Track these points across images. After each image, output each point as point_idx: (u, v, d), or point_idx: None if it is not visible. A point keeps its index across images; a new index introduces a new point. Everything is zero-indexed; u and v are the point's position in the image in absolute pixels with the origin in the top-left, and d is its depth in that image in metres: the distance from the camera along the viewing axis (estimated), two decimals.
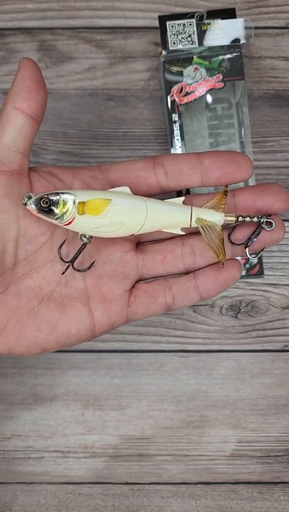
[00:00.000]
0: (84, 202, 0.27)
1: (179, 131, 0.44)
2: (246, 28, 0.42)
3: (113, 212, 0.27)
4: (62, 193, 0.27)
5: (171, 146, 0.44)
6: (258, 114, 0.47)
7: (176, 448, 0.48)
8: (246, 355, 0.48)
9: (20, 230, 0.28)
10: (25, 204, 0.27)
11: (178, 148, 0.44)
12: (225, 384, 0.48)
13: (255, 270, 0.46)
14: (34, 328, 0.29)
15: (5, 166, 0.27)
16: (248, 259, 0.45)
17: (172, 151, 0.44)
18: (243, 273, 0.45)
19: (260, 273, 0.46)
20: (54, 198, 0.27)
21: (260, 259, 0.46)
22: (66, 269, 0.29)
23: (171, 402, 0.48)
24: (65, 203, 0.27)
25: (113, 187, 0.29)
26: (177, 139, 0.44)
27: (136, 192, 0.29)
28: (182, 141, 0.44)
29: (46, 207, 0.27)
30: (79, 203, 0.27)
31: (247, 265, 0.45)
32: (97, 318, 0.30)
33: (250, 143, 0.44)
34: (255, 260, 0.45)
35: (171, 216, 0.29)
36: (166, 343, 0.48)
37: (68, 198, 0.27)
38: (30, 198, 0.27)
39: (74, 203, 0.27)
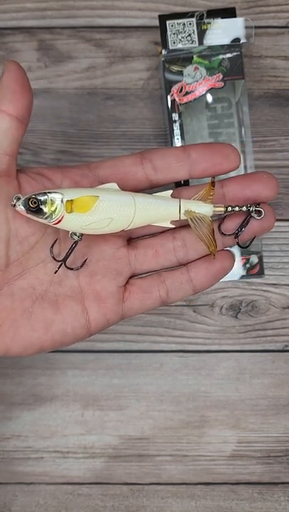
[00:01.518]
0: (72, 200, 0.27)
1: (179, 131, 0.44)
2: (246, 27, 0.42)
3: (101, 209, 0.28)
4: (49, 192, 0.27)
5: (171, 145, 0.44)
6: (258, 114, 0.47)
7: (175, 448, 0.48)
8: (246, 355, 0.48)
9: (10, 231, 0.28)
10: (14, 205, 0.27)
11: None
12: (225, 384, 0.48)
13: (256, 270, 0.45)
14: (29, 328, 0.29)
15: None
16: (248, 259, 0.45)
17: None
18: (244, 273, 0.45)
19: (261, 273, 0.45)
20: (42, 197, 0.27)
21: (260, 259, 0.45)
22: (59, 268, 0.29)
23: (170, 402, 0.48)
24: (52, 202, 0.27)
25: (102, 184, 0.29)
26: (177, 139, 0.44)
27: (126, 187, 0.29)
28: (182, 140, 0.44)
29: (35, 207, 0.27)
30: (67, 201, 0.27)
31: (247, 265, 0.45)
32: (92, 316, 0.30)
33: (251, 142, 0.44)
34: (255, 259, 0.45)
35: (160, 210, 0.29)
36: (165, 343, 0.48)
37: (56, 196, 0.27)
38: (18, 199, 0.27)
39: (62, 201, 0.27)
